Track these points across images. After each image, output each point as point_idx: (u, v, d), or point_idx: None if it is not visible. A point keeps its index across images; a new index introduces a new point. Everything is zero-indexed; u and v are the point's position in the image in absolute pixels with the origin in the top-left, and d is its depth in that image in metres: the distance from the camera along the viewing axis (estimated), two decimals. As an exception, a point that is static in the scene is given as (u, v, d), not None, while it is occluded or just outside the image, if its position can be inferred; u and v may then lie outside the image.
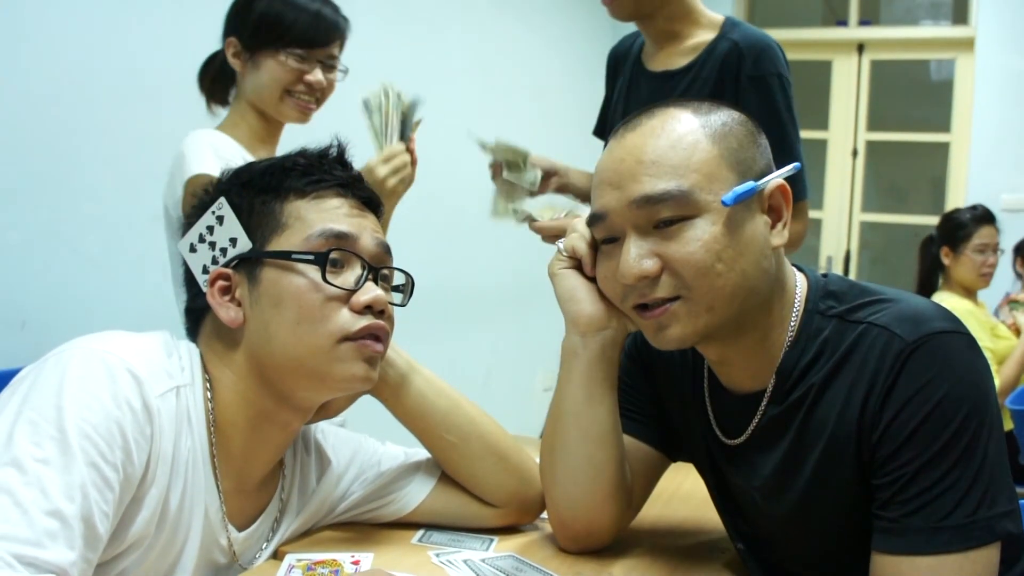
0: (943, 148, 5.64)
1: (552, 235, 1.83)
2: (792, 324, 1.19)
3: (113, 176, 2.59)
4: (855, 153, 5.83)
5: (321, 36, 2.04)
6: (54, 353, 1.06)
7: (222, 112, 2.15)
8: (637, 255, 1.13)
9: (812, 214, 5.88)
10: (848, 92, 5.82)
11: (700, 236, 1.10)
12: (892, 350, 1.09)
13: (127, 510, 1.05)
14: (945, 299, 3.69)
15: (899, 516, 1.06)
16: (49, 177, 2.46)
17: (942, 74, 5.85)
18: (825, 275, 1.24)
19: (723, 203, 1.10)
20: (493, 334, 4.47)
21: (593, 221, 1.21)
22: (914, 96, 6.22)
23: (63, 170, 2.49)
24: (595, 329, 1.29)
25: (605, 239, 1.20)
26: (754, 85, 2.03)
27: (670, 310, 1.13)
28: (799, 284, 1.22)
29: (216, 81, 2.14)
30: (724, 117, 1.16)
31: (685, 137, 1.13)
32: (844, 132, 5.85)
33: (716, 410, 1.29)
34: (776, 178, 1.16)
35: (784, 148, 2.00)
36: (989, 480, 1.05)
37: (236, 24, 2.06)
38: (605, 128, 2.42)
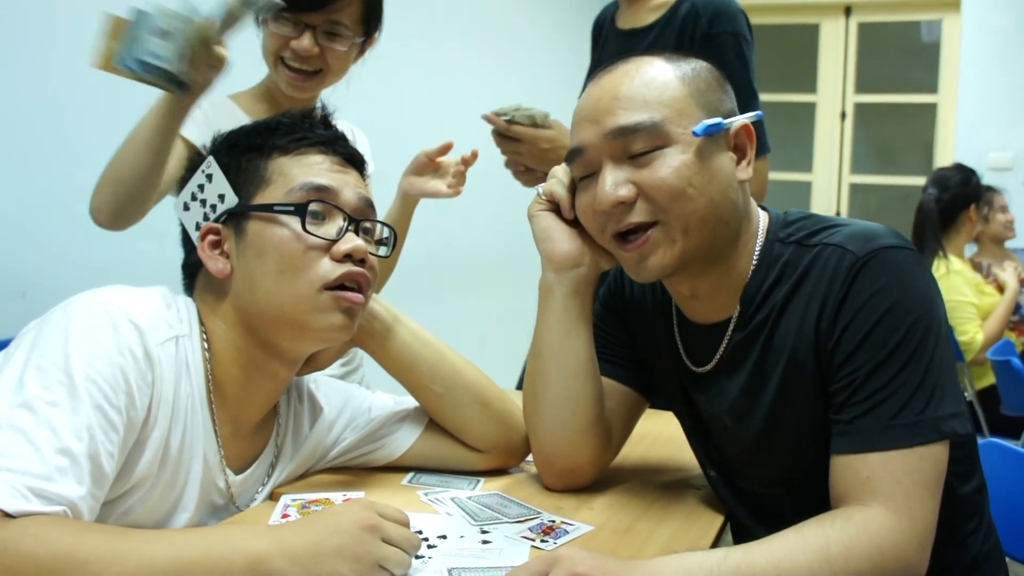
0: (931, 109, 5.68)
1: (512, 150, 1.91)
2: (755, 254, 1.27)
3: (107, 146, 2.63)
4: (843, 115, 5.87)
5: (307, 0, 1.82)
6: (59, 307, 1.12)
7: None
8: (613, 183, 1.21)
9: (801, 176, 5.99)
10: (836, 55, 5.86)
11: (672, 163, 1.19)
12: (844, 264, 1.18)
13: (131, 451, 1.12)
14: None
15: (852, 418, 1.15)
16: (44, 148, 2.50)
17: (933, 36, 5.87)
18: (786, 212, 1.32)
19: (693, 133, 1.19)
20: (487, 299, 4.52)
21: (572, 157, 1.28)
22: (903, 58, 6.26)
23: (58, 141, 2.53)
24: (569, 266, 1.36)
25: (583, 175, 1.28)
26: (707, 44, 2.06)
27: (650, 239, 1.21)
28: (761, 218, 1.30)
29: None
30: (694, 64, 1.27)
31: (657, 77, 1.23)
32: (832, 95, 5.89)
33: (685, 342, 1.37)
34: (741, 120, 1.25)
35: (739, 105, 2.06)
36: (935, 383, 1.13)
37: None
38: None
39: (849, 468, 1.14)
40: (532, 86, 4.56)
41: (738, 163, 1.26)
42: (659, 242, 1.21)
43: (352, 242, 1.23)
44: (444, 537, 1.22)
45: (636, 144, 1.20)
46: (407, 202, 1.98)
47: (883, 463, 1.11)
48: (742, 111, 2.01)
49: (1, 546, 0.89)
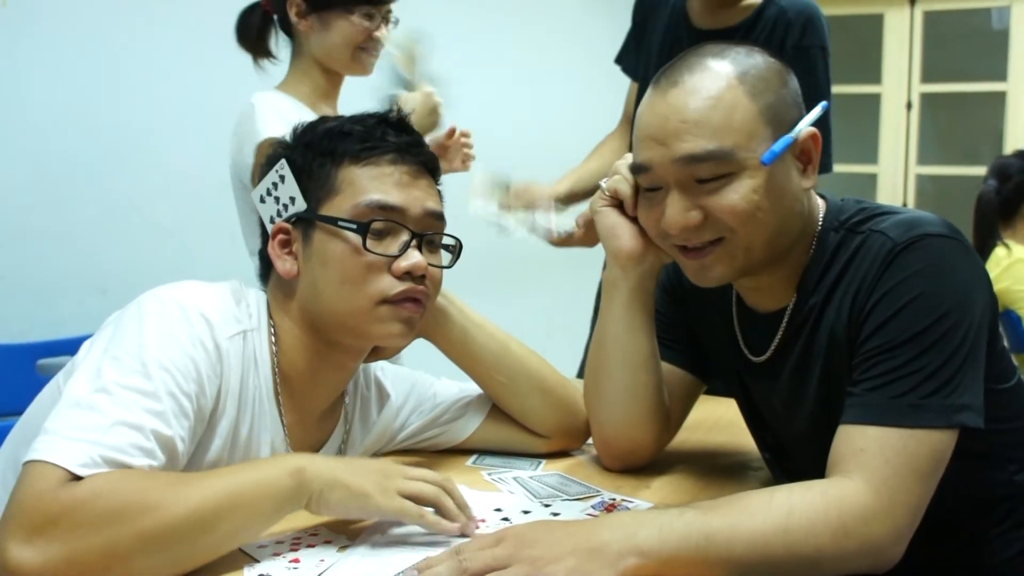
0: (1000, 97, 5.58)
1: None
2: (813, 244, 1.28)
3: (180, 149, 2.74)
4: (909, 106, 5.79)
5: None
6: (136, 301, 1.20)
7: (270, 68, 2.21)
8: (683, 208, 1.20)
9: (866, 168, 5.91)
10: (901, 44, 5.77)
11: (740, 190, 1.18)
12: (884, 250, 1.18)
13: (203, 438, 1.19)
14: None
15: (862, 391, 1.15)
16: (122, 153, 2.61)
17: (1003, 22, 5.75)
18: (842, 199, 1.32)
19: (762, 162, 1.18)
20: (552, 295, 4.54)
21: (637, 171, 1.28)
22: (971, 46, 6.13)
23: (134, 145, 2.64)
24: (634, 263, 1.39)
25: (648, 188, 1.28)
26: (799, 56, 2.08)
27: (713, 253, 1.22)
28: (820, 208, 1.30)
29: (260, 38, 2.19)
30: (759, 65, 1.22)
31: (725, 95, 1.19)
32: (897, 85, 5.80)
33: (744, 330, 1.39)
34: (807, 126, 1.22)
35: (820, 121, 2.10)
36: (954, 375, 1.12)
37: None
38: (627, 60, 2.48)
39: (847, 438, 1.13)
40: (565, 71, 4.54)
41: (804, 170, 1.24)
42: (721, 257, 1.22)
43: (412, 259, 1.25)
44: (495, 508, 1.26)
45: (704, 171, 1.18)
46: None
47: (879, 438, 1.10)
48: (822, 125, 2.08)
49: (70, 499, 0.96)
